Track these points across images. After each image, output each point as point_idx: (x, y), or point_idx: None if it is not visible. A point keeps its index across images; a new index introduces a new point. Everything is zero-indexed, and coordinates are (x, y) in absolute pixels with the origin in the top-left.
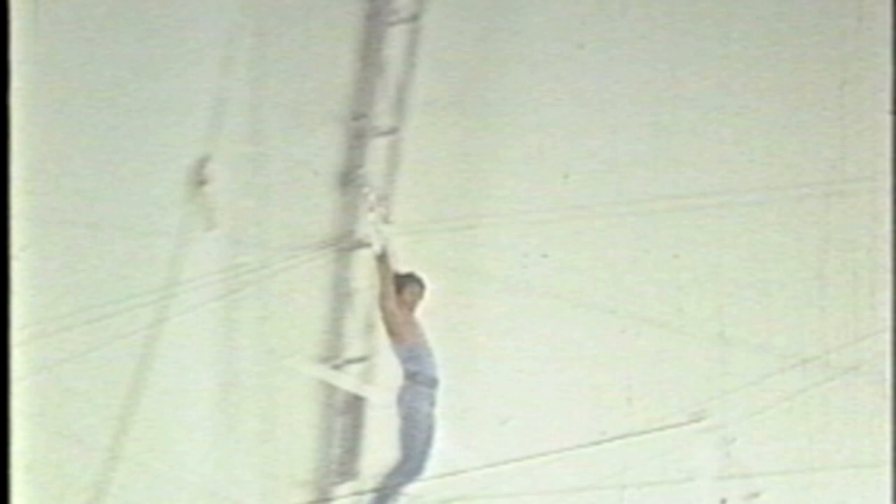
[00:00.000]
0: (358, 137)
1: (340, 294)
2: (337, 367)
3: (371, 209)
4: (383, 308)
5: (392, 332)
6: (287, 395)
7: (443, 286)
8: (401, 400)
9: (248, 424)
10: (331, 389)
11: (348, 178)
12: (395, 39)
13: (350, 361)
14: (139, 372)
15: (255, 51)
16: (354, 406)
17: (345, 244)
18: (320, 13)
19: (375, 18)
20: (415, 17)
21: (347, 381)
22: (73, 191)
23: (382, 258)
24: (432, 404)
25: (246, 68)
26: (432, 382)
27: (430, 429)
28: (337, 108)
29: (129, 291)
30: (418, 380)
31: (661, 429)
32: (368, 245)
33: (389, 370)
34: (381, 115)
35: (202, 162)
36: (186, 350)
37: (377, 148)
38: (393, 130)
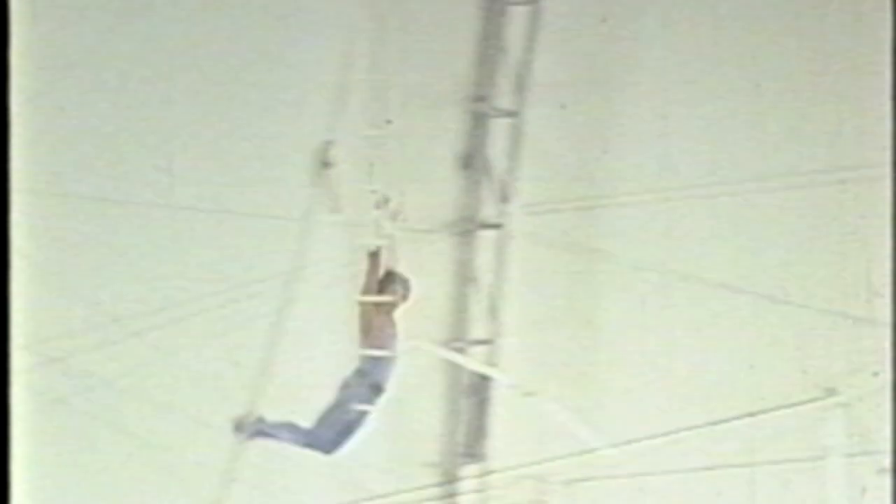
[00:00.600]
0: (479, 120)
1: (464, 276)
2: (461, 350)
3: (377, 207)
4: (362, 305)
5: (363, 330)
6: (412, 377)
7: (566, 266)
8: (344, 387)
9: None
10: (456, 371)
11: (470, 161)
12: (516, 21)
13: (474, 343)
14: (266, 357)
15: (377, 34)
16: (480, 387)
17: (467, 226)
18: None
19: (496, 0)
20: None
21: (473, 362)
22: (199, 177)
23: (375, 256)
24: (368, 403)
25: (368, 51)
26: (377, 389)
27: (351, 424)
28: (458, 90)
29: (255, 276)
30: (365, 381)
31: (790, 406)
32: (492, 226)
33: (514, 352)
34: (502, 97)
35: (326, 145)
36: (311, 335)
37: (498, 130)
38: (514, 112)
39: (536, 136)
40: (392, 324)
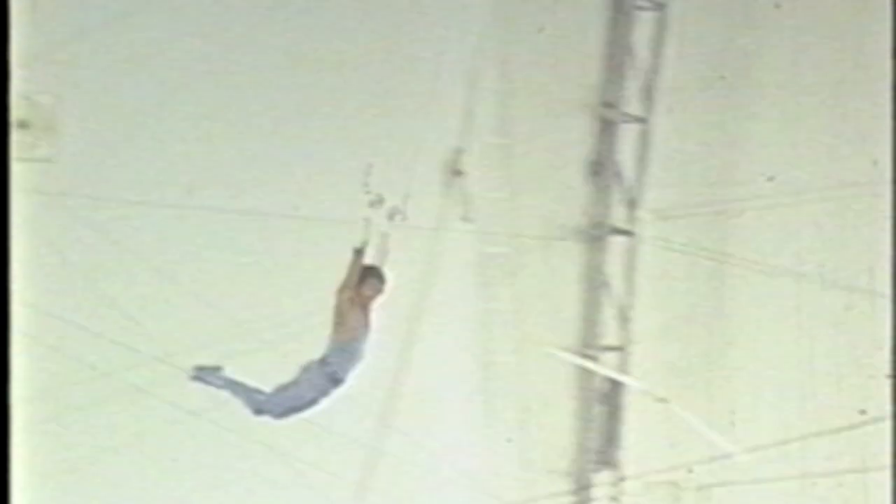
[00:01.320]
0: (608, 125)
1: (594, 282)
2: (593, 356)
3: (371, 205)
4: (339, 298)
5: (336, 322)
6: (543, 384)
7: (696, 270)
8: (305, 370)
9: (505, 414)
10: (587, 378)
11: (599, 167)
12: (643, 27)
13: (606, 349)
14: (399, 363)
15: (505, 41)
16: (612, 394)
17: (597, 232)
18: (568, 1)
19: (623, 6)
20: (662, 5)
21: (605, 368)
22: (331, 188)
23: (359, 253)
24: (323, 393)
25: (496, 58)
26: (335, 380)
27: (303, 405)
28: (586, 96)
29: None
30: (326, 371)
31: None
32: (622, 232)
33: (646, 358)
34: (631, 103)
35: (457, 153)
36: (443, 341)
37: (627, 136)
38: (643, 118)
39: (665, 140)
40: (366, 319)
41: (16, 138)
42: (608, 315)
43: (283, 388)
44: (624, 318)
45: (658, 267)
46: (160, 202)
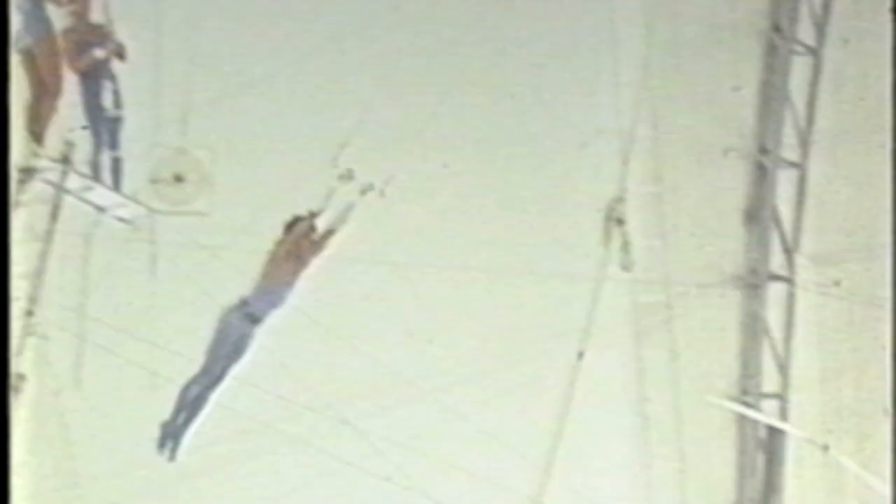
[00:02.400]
0: (764, 171)
1: (752, 329)
2: (752, 404)
3: (340, 178)
4: (276, 248)
5: (266, 270)
6: (702, 432)
7: (855, 316)
8: (223, 317)
9: (663, 463)
10: (747, 425)
11: (756, 213)
12: (798, 72)
13: (765, 397)
14: (558, 412)
15: (661, 88)
16: (771, 442)
17: (755, 278)
18: (723, 47)
19: (778, 51)
20: (816, 50)
21: (764, 416)
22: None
23: (313, 216)
24: (243, 332)
25: (651, 106)
26: (254, 319)
27: (237, 348)
28: (742, 142)
29: (545, 335)
30: (246, 311)
31: None
32: (780, 279)
33: (806, 405)
34: (787, 149)
35: (616, 201)
36: (601, 389)
37: (783, 181)
38: (799, 163)
39: (821, 185)
40: (296, 271)
41: (172, 192)
42: (767, 362)
43: (213, 347)
44: (783, 365)
45: (816, 312)
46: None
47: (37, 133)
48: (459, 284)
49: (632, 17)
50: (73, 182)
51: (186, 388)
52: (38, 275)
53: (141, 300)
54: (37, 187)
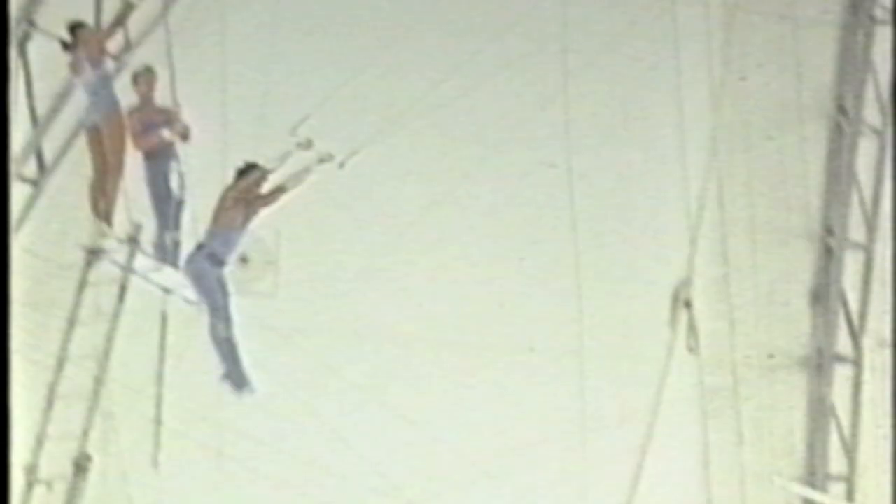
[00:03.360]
0: (830, 253)
1: (818, 411)
2: (819, 486)
3: (299, 146)
4: (225, 195)
5: (214, 217)
6: None
7: None
8: (189, 263)
9: None
10: None
11: (822, 294)
12: (864, 153)
13: (832, 479)
14: (627, 495)
15: (725, 172)
16: None
17: (821, 360)
18: (789, 129)
19: (843, 133)
20: (882, 131)
21: (831, 498)
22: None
23: (266, 172)
24: (213, 276)
25: (717, 188)
26: (218, 261)
27: (221, 286)
28: (807, 224)
29: (611, 416)
30: (206, 252)
31: None
32: (847, 360)
33: (872, 487)
34: (852, 230)
35: (683, 284)
36: (668, 471)
37: (850, 263)
38: (865, 245)
39: (887, 268)
40: (243, 220)
41: (238, 273)
42: (833, 444)
43: (201, 294)
44: (849, 447)
45: (882, 394)
46: (372, 335)
47: (103, 212)
48: (528, 366)
49: (699, 99)
50: (140, 263)
51: (216, 337)
52: (105, 355)
53: (207, 381)
54: (104, 268)
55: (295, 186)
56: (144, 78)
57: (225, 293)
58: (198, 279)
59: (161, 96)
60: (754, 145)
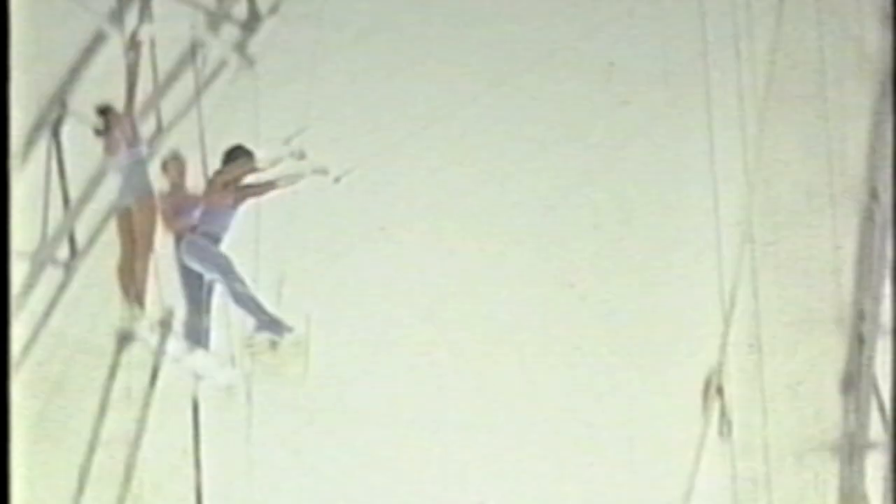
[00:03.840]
0: (861, 339)
1: (851, 499)
2: None
3: (292, 155)
4: (215, 180)
5: (205, 196)
6: None
7: None
8: (187, 244)
9: None
10: None
11: (853, 381)
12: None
13: None
14: None
15: (761, 254)
16: None
17: (853, 448)
18: (821, 214)
19: (875, 219)
20: None
21: None
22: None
23: (255, 169)
24: (212, 253)
25: (748, 273)
26: (214, 239)
27: (224, 257)
28: (839, 310)
29: (646, 501)
30: (201, 231)
31: None
32: (879, 447)
33: None
34: (882, 315)
35: (715, 369)
36: None
37: (882, 349)
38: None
39: None
40: (234, 202)
41: (267, 357)
42: None
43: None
44: None
45: None
46: (404, 420)
47: (135, 295)
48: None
49: (732, 186)
50: (172, 346)
51: (238, 296)
52: (135, 439)
53: (239, 466)
54: (135, 351)
55: (286, 186)
56: (173, 164)
57: (228, 260)
58: (200, 255)
59: (193, 181)
60: (786, 231)
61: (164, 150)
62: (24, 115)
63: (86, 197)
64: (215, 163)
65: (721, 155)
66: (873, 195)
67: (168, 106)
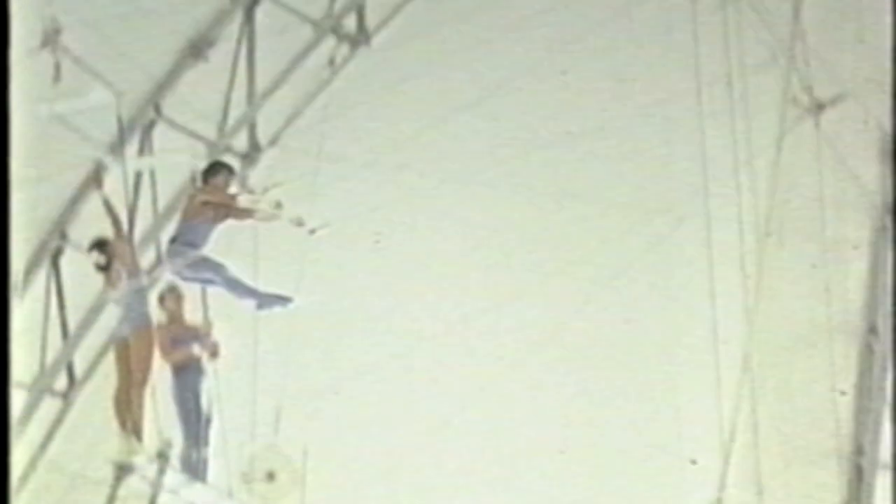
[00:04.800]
0: (860, 473)
1: None
2: None
3: (291, 221)
4: (192, 198)
5: (183, 215)
6: None
7: None
8: (170, 254)
9: None
10: None
11: None
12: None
13: None
14: None
15: (760, 389)
16: None
17: None
18: (819, 349)
19: (874, 354)
20: None
21: None
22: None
23: (228, 175)
24: (192, 259)
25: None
26: (192, 245)
27: (208, 256)
28: (837, 443)
29: None
30: (182, 241)
31: None
32: None
33: None
34: (884, 450)
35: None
36: None
37: (881, 483)
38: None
39: None
40: (213, 219)
41: (265, 489)
42: None
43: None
44: None
45: None
46: None
47: (132, 427)
48: None
49: (732, 318)
50: (170, 479)
51: (231, 282)
52: None
53: None
54: (133, 483)
55: (262, 220)
56: (171, 296)
57: (212, 258)
58: (186, 259)
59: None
60: (784, 364)
61: (163, 280)
62: (25, 245)
63: (84, 327)
64: (213, 294)
65: (721, 286)
66: (872, 329)
67: (168, 235)
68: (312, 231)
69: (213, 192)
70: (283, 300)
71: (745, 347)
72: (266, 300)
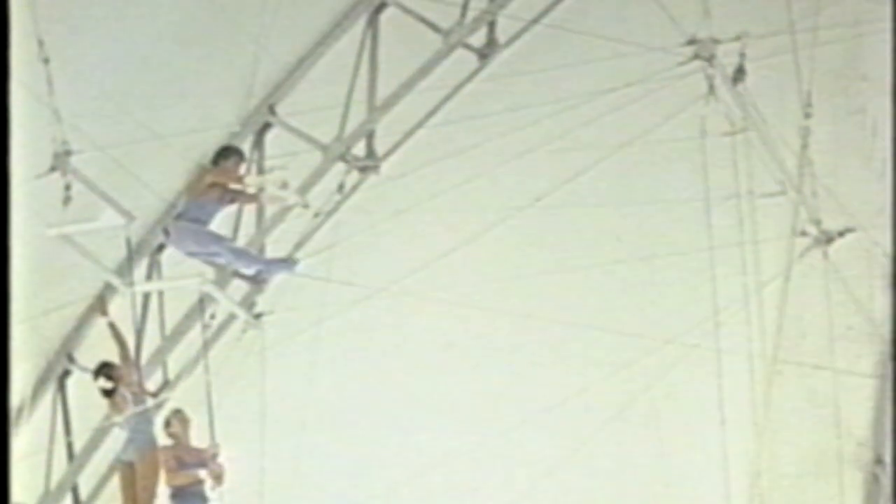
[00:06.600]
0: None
1: None
2: None
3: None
4: (201, 177)
5: (191, 193)
6: None
7: None
8: (176, 231)
9: None
10: None
11: None
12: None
13: None
14: None
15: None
16: None
17: None
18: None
19: (879, 482)
20: None
21: None
22: None
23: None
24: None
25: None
26: (199, 221)
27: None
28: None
29: None
30: (186, 218)
31: None
32: None
33: None
34: None
35: None
36: None
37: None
38: None
39: None
40: (218, 200)
41: None
42: None
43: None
44: None
45: None
46: None
47: None
48: None
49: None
50: None
51: (238, 256)
52: None
53: None
54: None
55: (269, 202)
56: (176, 419)
57: (216, 232)
58: (193, 236)
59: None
60: (792, 493)
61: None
62: (31, 367)
63: (89, 450)
64: (222, 416)
65: (731, 415)
66: (878, 461)
67: (175, 361)
68: (317, 215)
69: (222, 174)
70: (288, 264)
71: (754, 478)
72: (272, 266)
